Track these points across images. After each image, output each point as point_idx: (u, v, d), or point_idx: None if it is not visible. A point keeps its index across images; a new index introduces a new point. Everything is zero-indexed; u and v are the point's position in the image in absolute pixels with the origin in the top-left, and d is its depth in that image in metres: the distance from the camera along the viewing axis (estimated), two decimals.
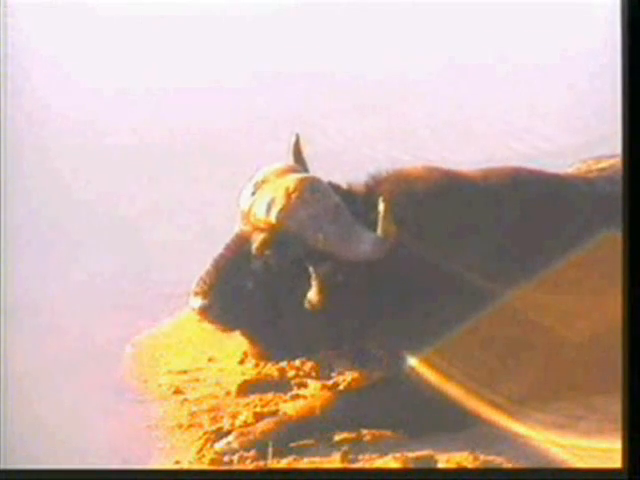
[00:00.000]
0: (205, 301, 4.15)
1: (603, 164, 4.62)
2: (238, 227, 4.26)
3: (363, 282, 4.13)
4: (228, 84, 8.96)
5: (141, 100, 8.60)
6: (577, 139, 7.14)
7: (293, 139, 4.51)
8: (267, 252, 4.15)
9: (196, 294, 4.17)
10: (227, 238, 4.26)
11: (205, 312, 4.18)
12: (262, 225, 4.15)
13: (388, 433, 4.01)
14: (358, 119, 8.18)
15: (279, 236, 4.12)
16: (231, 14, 10.02)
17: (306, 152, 4.52)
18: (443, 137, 7.75)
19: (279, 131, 6.89)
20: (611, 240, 4.08)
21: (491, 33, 9.53)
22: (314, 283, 4.04)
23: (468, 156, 6.87)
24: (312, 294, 4.05)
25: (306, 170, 4.44)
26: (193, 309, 4.20)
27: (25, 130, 7.18)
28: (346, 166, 6.06)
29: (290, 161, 4.45)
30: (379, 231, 3.99)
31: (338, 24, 9.84)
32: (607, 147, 4.55)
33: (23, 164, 6.58)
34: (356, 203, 4.17)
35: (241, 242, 4.21)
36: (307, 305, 4.06)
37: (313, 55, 9.30)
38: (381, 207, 3.97)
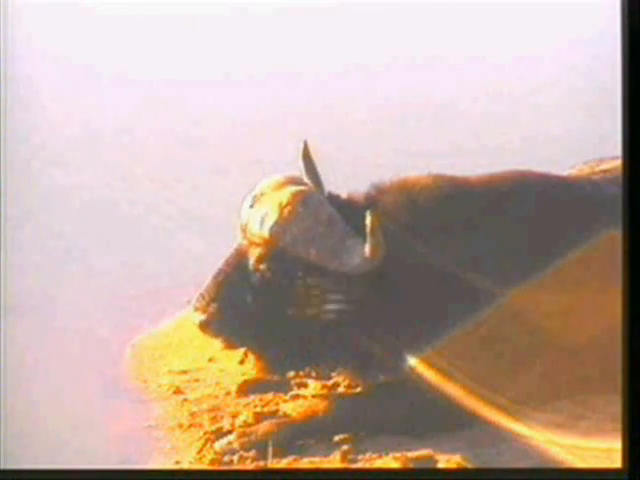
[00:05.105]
0: (205, 316, 4.16)
1: (606, 165, 4.61)
2: (238, 242, 4.25)
3: (364, 287, 4.12)
4: (230, 83, 8.96)
5: (142, 99, 8.60)
6: (576, 136, 7.13)
7: (302, 146, 4.43)
8: (262, 267, 4.14)
9: (196, 309, 4.19)
10: (229, 236, 4.26)
11: (206, 327, 4.19)
12: (257, 240, 4.15)
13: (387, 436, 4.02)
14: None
15: (273, 251, 4.11)
16: (236, 11, 10.02)
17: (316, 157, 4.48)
18: (443, 132, 7.75)
19: (289, 132, 6.86)
20: (612, 240, 4.08)
21: (488, 27, 9.55)
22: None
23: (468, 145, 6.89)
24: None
25: (317, 176, 4.38)
26: (194, 324, 4.22)
27: (25, 129, 7.18)
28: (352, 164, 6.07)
29: (300, 167, 4.41)
30: (366, 247, 3.97)
31: (349, 24, 9.84)
32: (606, 146, 4.54)
33: (24, 163, 6.58)
34: (356, 213, 4.11)
35: (240, 257, 4.20)
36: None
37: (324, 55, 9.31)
38: (368, 221, 3.95)
